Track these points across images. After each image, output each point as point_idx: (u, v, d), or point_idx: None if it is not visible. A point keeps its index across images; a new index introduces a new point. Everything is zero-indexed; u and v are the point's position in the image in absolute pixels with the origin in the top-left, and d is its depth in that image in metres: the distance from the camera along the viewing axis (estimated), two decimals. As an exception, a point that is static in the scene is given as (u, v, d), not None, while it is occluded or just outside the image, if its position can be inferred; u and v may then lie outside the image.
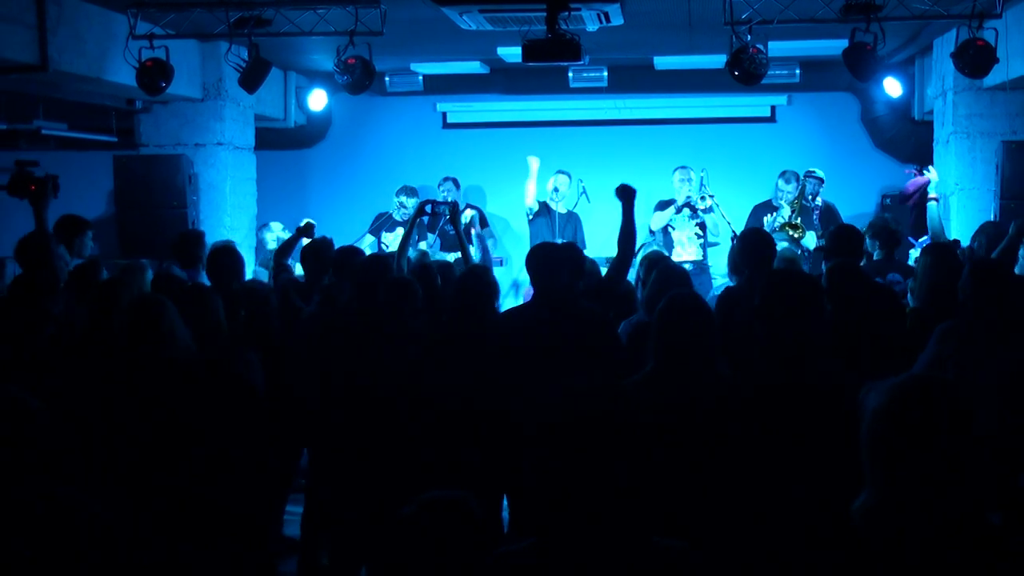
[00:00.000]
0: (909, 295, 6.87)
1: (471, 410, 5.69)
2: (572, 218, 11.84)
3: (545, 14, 8.16)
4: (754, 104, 13.52)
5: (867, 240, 7.57)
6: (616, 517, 2.72)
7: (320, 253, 7.30)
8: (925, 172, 9.78)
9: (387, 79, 12.88)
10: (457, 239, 8.21)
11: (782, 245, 9.68)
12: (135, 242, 10.45)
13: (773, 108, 13.69)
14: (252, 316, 6.23)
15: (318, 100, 12.59)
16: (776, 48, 10.01)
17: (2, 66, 8.31)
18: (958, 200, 10.65)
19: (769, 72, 9.23)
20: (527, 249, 6.35)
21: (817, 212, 11.04)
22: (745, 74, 8.95)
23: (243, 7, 8.84)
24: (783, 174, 11.24)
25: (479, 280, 6.13)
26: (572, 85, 12.65)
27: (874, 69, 8.89)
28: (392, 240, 11.10)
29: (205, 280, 7.36)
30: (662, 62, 12.43)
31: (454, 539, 2.94)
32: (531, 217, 11.85)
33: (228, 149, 11.34)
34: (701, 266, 10.90)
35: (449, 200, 10.32)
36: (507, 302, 11.24)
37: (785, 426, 4.28)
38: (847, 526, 2.53)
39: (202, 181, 11.16)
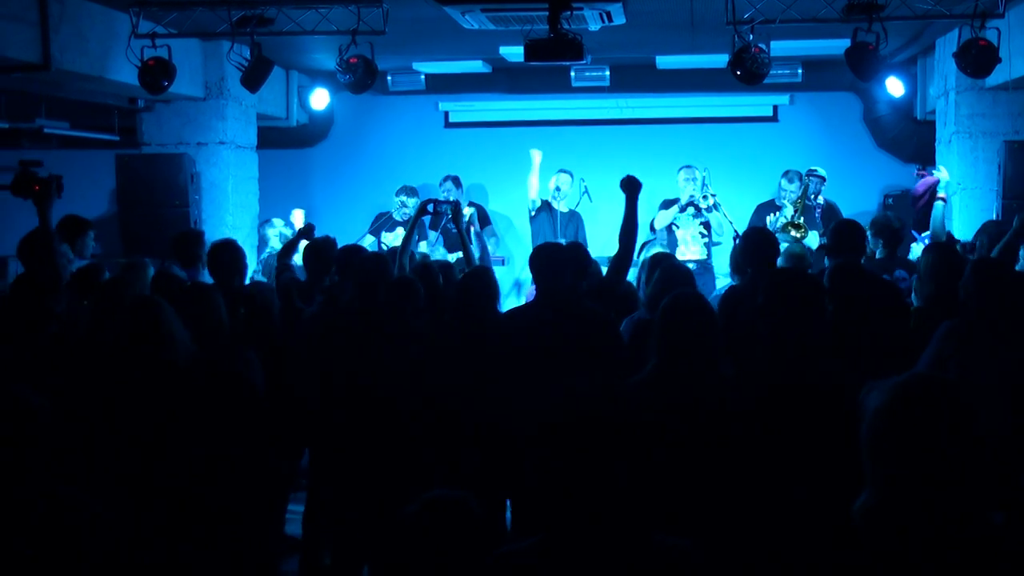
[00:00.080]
0: (913, 294, 6.87)
1: (472, 410, 5.69)
2: (574, 217, 11.84)
3: (547, 13, 8.15)
4: (756, 104, 13.52)
5: (869, 237, 7.56)
6: (618, 517, 2.72)
7: (322, 253, 7.29)
8: (935, 172, 9.75)
9: (389, 78, 12.87)
10: (459, 238, 8.21)
11: (786, 245, 9.70)
12: (137, 241, 10.45)
13: (775, 108, 13.69)
14: (253, 315, 6.23)
15: (320, 99, 12.58)
16: (778, 48, 10.01)
17: (5, 65, 8.31)
18: (960, 200, 10.64)
19: (771, 72, 9.22)
20: (529, 248, 6.36)
21: (819, 211, 11.05)
22: (747, 74, 8.95)
23: (245, 6, 8.83)
24: (786, 173, 11.24)
25: (480, 281, 6.14)
26: (574, 84, 12.65)
27: (876, 69, 8.88)
28: (392, 240, 11.10)
29: (206, 279, 7.36)
30: (664, 61, 12.43)
31: (455, 539, 2.94)
32: (533, 215, 11.85)
33: (230, 148, 11.35)
34: (705, 265, 10.91)
35: (451, 199, 10.32)
36: (509, 301, 11.25)
37: (787, 426, 4.28)
38: (848, 526, 2.53)
39: (204, 180, 11.17)
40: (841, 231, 6.87)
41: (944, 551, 2.40)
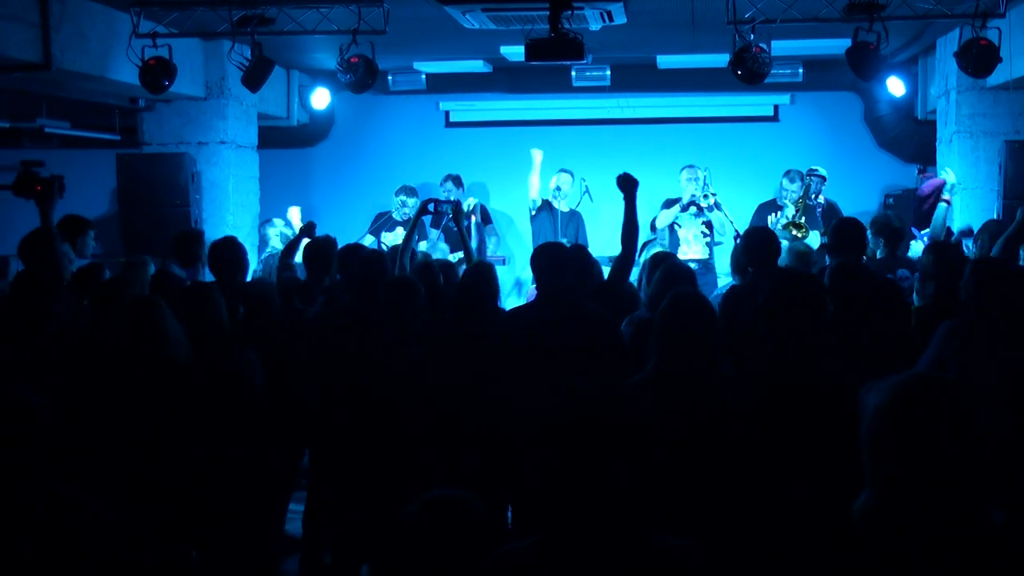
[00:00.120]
0: (914, 293, 6.87)
1: (472, 410, 5.69)
2: (575, 217, 11.85)
3: (548, 13, 8.15)
4: (757, 103, 13.52)
5: (870, 237, 7.56)
6: (618, 516, 2.72)
7: (322, 252, 7.29)
8: (942, 173, 9.74)
9: (390, 78, 12.87)
10: (460, 237, 8.22)
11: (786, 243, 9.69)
12: (138, 240, 10.44)
13: (776, 107, 13.69)
14: (253, 315, 6.22)
15: (321, 99, 12.58)
16: (779, 47, 10.00)
17: (5, 64, 8.31)
18: (961, 200, 10.63)
19: (772, 71, 9.22)
20: (530, 248, 6.36)
21: (819, 210, 11.05)
22: (748, 73, 8.95)
23: (246, 6, 8.84)
24: (787, 173, 11.25)
25: (482, 278, 6.14)
26: (575, 84, 12.64)
27: (877, 68, 8.88)
28: (392, 240, 11.11)
29: (206, 278, 7.36)
30: (665, 61, 12.42)
31: (456, 538, 2.94)
32: (533, 214, 11.86)
33: (231, 148, 11.35)
34: (706, 265, 10.92)
35: (451, 199, 10.33)
36: (509, 301, 11.25)
37: (788, 426, 4.29)
38: (848, 526, 2.53)
39: (205, 180, 11.17)
40: (842, 230, 6.87)
41: (944, 551, 2.39)
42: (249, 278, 7.51)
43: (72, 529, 3.11)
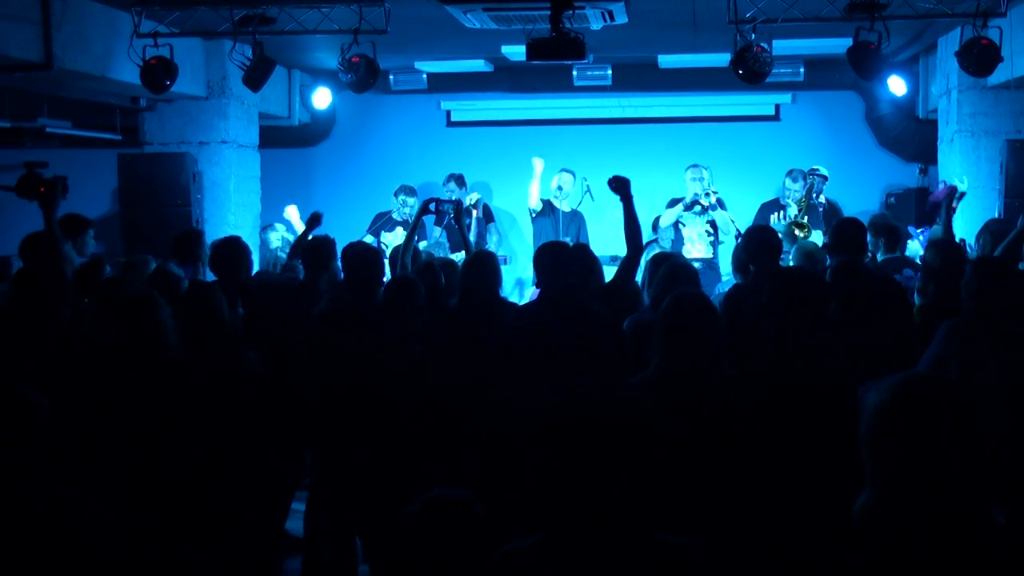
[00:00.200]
0: (916, 293, 6.87)
1: (473, 410, 5.68)
2: (576, 217, 11.85)
3: (549, 12, 8.15)
4: (758, 103, 13.51)
5: (869, 238, 7.56)
6: (618, 516, 2.72)
7: (319, 251, 7.26)
8: (957, 182, 9.72)
9: (391, 77, 12.87)
10: (461, 237, 8.22)
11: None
12: (139, 240, 10.43)
13: (777, 107, 13.68)
14: (254, 315, 6.22)
15: (322, 98, 12.58)
16: (780, 47, 9.99)
17: (7, 64, 8.32)
18: (962, 199, 10.62)
19: (773, 71, 9.23)
20: (531, 247, 6.36)
21: (821, 210, 11.06)
22: (749, 73, 8.95)
23: (247, 5, 8.84)
24: (790, 173, 11.25)
25: (483, 263, 6.12)
26: (576, 84, 12.64)
27: (878, 68, 8.88)
28: (392, 240, 11.12)
29: (206, 277, 7.36)
30: (666, 61, 12.42)
31: (457, 538, 2.94)
32: (535, 215, 11.87)
33: (232, 147, 11.35)
34: (711, 264, 10.94)
35: (453, 199, 10.33)
36: (511, 300, 11.24)
37: (789, 425, 4.29)
38: (849, 525, 2.53)
39: (206, 179, 11.17)
40: (843, 229, 6.86)
41: (944, 551, 2.39)
42: (250, 279, 7.50)
43: (72, 529, 3.11)
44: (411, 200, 11.76)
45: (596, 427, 2.73)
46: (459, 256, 10.03)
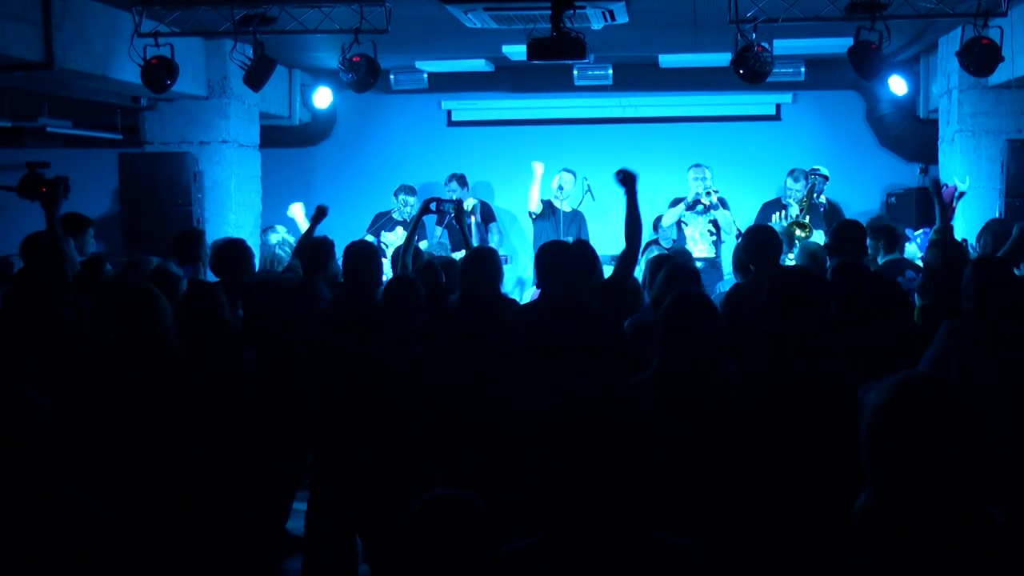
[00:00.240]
0: (916, 294, 6.87)
1: (473, 410, 5.68)
2: (577, 217, 11.86)
3: (550, 12, 8.15)
4: (759, 102, 13.50)
5: (869, 240, 7.56)
6: (619, 516, 2.72)
7: (317, 252, 7.25)
8: (959, 183, 9.71)
9: (392, 77, 12.86)
10: (462, 236, 8.22)
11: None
12: (140, 239, 10.44)
13: (778, 106, 13.67)
14: (254, 315, 6.22)
15: (323, 98, 12.57)
16: (781, 46, 9.99)
17: (7, 64, 8.32)
18: (963, 199, 10.61)
19: (774, 70, 9.23)
20: (532, 246, 6.35)
21: (822, 209, 11.06)
22: (750, 72, 8.95)
23: (248, 5, 8.84)
24: (792, 172, 11.26)
25: (484, 260, 6.11)
26: (577, 83, 12.63)
27: (879, 67, 8.88)
28: (393, 240, 11.12)
29: (206, 276, 7.36)
30: (667, 60, 12.42)
31: (458, 537, 2.94)
32: (534, 217, 11.87)
33: (233, 147, 11.35)
34: (713, 263, 10.94)
35: (454, 198, 10.34)
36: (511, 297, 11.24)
37: (789, 425, 4.29)
38: (849, 525, 2.53)
39: (207, 179, 11.17)
40: (843, 232, 6.87)
41: (944, 551, 2.39)
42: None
43: (72, 529, 3.11)
44: (411, 200, 11.76)
45: (596, 427, 2.73)
46: (459, 255, 10.04)
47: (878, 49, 8.57)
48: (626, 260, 6.64)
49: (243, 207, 11.58)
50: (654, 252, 8.21)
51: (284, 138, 13.35)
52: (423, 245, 10.47)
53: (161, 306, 4.91)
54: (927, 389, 2.48)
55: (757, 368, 4.65)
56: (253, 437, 5.05)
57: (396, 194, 11.88)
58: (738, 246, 7.02)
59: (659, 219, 11.56)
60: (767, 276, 5.34)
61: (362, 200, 13.16)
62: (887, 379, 2.52)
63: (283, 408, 5.88)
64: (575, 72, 12.48)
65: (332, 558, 6.12)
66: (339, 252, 6.93)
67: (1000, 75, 9.09)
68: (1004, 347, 5.19)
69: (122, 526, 3.28)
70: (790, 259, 8.96)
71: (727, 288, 7.54)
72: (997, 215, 9.84)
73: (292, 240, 9.94)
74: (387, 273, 7.90)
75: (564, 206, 11.78)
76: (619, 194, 6.74)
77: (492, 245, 11.87)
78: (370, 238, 11.10)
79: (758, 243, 6.63)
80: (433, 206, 8.39)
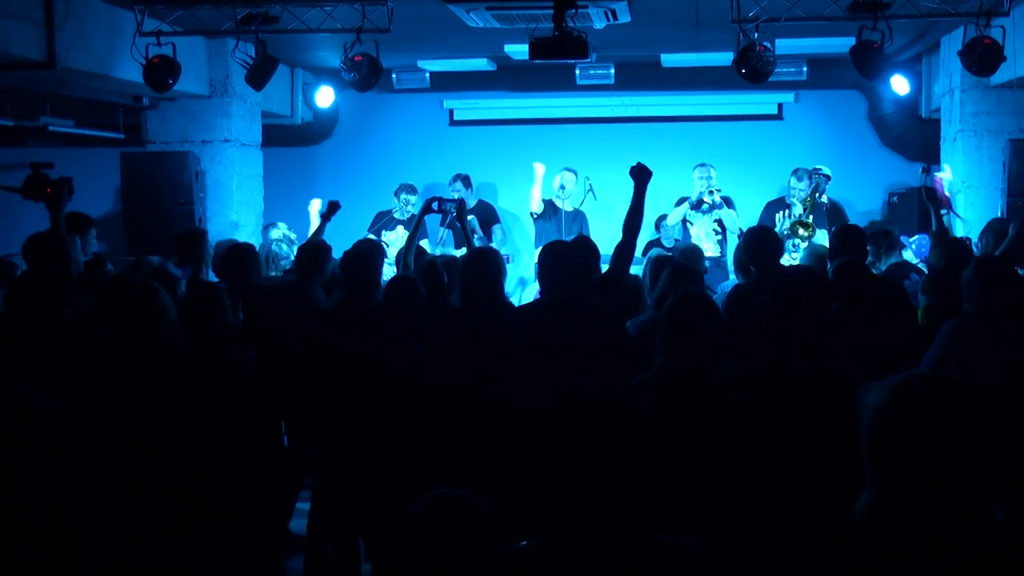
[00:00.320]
0: (919, 294, 6.86)
1: (474, 410, 5.68)
2: (578, 216, 11.84)
3: (552, 12, 8.15)
4: (761, 102, 13.51)
5: (868, 246, 7.55)
6: (619, 516, 2.71)
7: (313, 256, 7.24)
8: (943, 174, 9.71)
9: (394, 76, 12.86)
10: (463, 236, 8.21)
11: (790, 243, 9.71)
12: (142, 239, 10.46)
13: (780, 106, 13.68)
14: (254, 315, 6.22)
15: (325, 97, 12.57)
16: (783, 46, 9.99)
17: (9, 63, 8.32)
18: (965, 198, 10.64)
19: (776, 70, 9.23)
20: (533, 246, 6.34)
21: (824, 209, 11.06)
22: (752, 72, 8.95)
23: (250, 4, 8.84)
24: (795, 172, 11.24)
25: (486, 260, 6.11)
26: (579, 82, 12.64)
27: (881, 67, 8.89)
28: (393, 239, 11.12)
29: (207, 277, 7.36)
30: (669, 59, 12.42)
31: (460, 537, 2.94)
32: (536, 217, 11.86)
33: (235, 146, 11.36)
34: (718, 262, 10.93)
35: (455, 198, 10.33)
36: (513, 299, 11.24)
37: (791, 425, 4.28)
38: (849, 525, 2.53)
39: (209, 178, 11.18)
40: (844, 235, 6.88)
41: (944, 551, 2.39)
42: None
43: (72, 529, 3.11)
44: (412, 199, 11.76)
45: (597, 427, 2.72)
46: (461, 253, 10.04)
47: (880, 49, 8.58)
48: (622, 252, 6.63)
49: (245, 206, 11.58)
50: (656, 252, 8.21)
51: (286, 137, 13.36)
52: (426, 245, 10.48)
53: (162, 306, 4.91)
54: (927, 389, 2.48)
55: (759, 368, 4.65)
56: (253, 437, 5.05)
57: (397, 193, 11.88)
58: (739, 247, 7.01)
59: (661, 218, 11.56)
60: (769, 276, 5.34)
61: (364, 199, 13.13)
62: (888, 379, 2.52)
63: (283, 408, 5.89)
64: (577, 71, 12.48)
65: (334, 558, 6.13)
66: (339, 251, 6.92)
67: (1002, 75, 9.09)
68: (1005, 347, 5.19)
69: (122, 526, 3.28)
70: (792, 259, 8.96)
71: (729, 288, 7.54)
72: (999, 215, 9.85)
73: (294, 237, 9.94)
74: (389, 272, 7.91)
75: (566, 206, 11.77)
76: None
77: (495, 245, 11.89)
78: (371, 238, 11.11)
79: (759, 244, 6.63)
80: (435, 205, 8.38)
